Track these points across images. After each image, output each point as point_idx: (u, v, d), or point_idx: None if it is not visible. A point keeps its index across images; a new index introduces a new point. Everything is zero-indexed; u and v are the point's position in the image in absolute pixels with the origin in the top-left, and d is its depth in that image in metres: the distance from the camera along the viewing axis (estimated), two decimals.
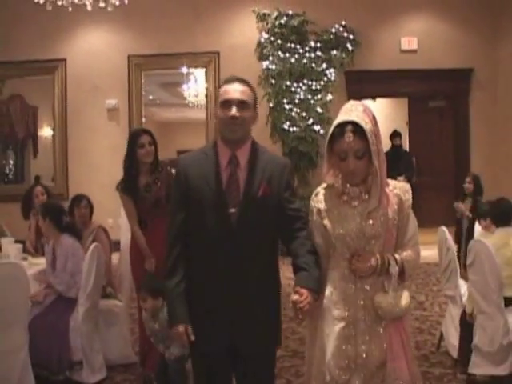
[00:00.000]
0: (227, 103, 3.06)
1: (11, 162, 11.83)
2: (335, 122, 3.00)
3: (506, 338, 4.58)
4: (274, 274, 3.22)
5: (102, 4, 6.93)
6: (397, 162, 10.92)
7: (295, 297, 2.85)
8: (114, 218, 6.66)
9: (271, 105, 10.03)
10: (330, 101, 9.96)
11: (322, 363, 3.06)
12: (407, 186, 3.11)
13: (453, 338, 5.21)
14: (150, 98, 10.99)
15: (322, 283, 3.07)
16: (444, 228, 5.58)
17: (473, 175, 8.23)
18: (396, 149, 11.31)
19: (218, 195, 3.08)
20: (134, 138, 5.14)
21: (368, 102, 13.00)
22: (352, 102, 3.15)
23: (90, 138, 10.68)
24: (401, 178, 10.77)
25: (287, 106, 9.89)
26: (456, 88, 10.81)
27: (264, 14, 10.26)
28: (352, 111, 2.98)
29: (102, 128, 10.67)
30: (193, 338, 3.04)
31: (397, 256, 3.00)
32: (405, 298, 3.00)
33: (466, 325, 4.94)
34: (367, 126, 2.91)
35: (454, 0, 10.47)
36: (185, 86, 11.73)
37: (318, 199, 3.14)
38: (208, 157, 3.17)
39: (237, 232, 3.05)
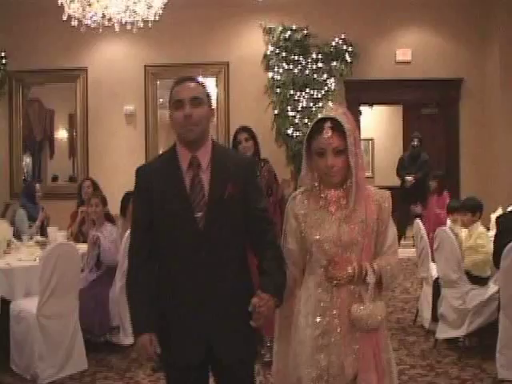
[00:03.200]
0: (179, 103, 2.90)
1: (29, 162, 12.11)
2: (314, 120, 2.95)
3: (463, 305, 5.74)
4: (246, 277, 3.04)
5: (128, 27, 7.40)
6: (413, 163, 11.65)
7: (255, 300, 2.74)
8: None
9: (276, 112, 10.37)
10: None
11: (293, 372, 2.97)
12: (387, 194, 3.01)
13: (426, 313, 6.47)
14: (161, 101, 11.23)
15: (288, 289, 2.97)
16: (418, 220, 6.77)
17: (436, 174, 8.84)
18: (413, 150, 11.79)
19: (182, 200, 2.91)
20: (234, 136, 5.77)
21: (365, 109, 13.75)
22: (332, 105, 3.42)
23: (109, 141, 11.13)
24: (409, 178, 11.46)
25: (291, 113, 10.23)
26: (447, 96, 11.09)
27: (270, 28, 10.58)
28: (332, 110, 2.92)
29: (120, 132, 11.13)
30: (159, 350, 2.86)
31: (375, 265, 2.88)
32: (381, 309, 2.88)
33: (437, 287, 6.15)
34: (346, 125, 2.83)
35: (446, 15, 10.74)
36: None
37: (295, 203, 3.02)
38: (168, 162, 3.00)
39: (205, 236, 2.88)
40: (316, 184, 2.97)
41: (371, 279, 2.84)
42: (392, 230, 3.00)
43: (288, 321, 3.03)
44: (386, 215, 2.95)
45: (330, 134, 2.83)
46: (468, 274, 5.90)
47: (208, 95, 3.01)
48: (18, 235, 7.09)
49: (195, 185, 2.93)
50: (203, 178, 2.94)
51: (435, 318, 6.24)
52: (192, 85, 2.96)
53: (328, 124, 2.84)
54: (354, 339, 2.87)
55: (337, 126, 2.83)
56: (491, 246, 5.64)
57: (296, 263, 3.03)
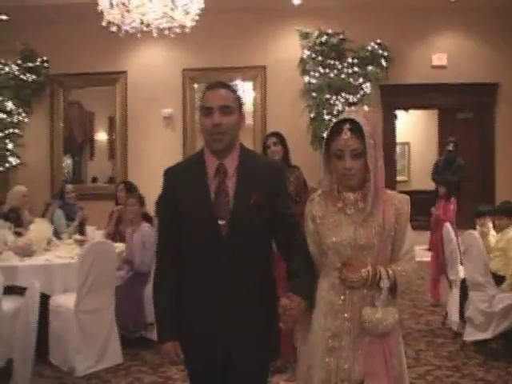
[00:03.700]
0: (209, 110, 2.88)
1: (70, 163, 12.35)
2: (334, 121, 2.91)
3: (490, 308, 5.81)
4: (269, 285, 3.02)
5: (166, 32, 7.51)
6: (448, 168, 11.63)
7: (286, 302, 2.72)
8: None
9: (312, 115, 10.45)
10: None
11: (306, 374, 2.98)
12: (406, 198, 2.97)
13: (454, 315, 6.52)
14: (199, 103, 11.24)
15: (315, 292, 2.95)
16: (448, 224, 6.83)
17: (445, 180, 8.77)
18: (448, 155, 11.64)
19: (207, 207, 2.89)
20: (263, 141, 5.87)
21: (401, 113, 13.77)
22: (353, 107, 3.38)
23: (147, 144, 11.32)
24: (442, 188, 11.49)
25: (326, 117, 10.22)
26: (482, 101, 11.03)
27: (306, 33, 10.67)
28: (352, 112, 2.90)
29: (158, 134, 11.30)
30: (182, 356, 2.91)
31: (389, 270, 2.84)
32: (392, 315, 2.83)
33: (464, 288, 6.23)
34: (366, 127, 2.79)
35: (481, 19, 10.69)
36: None
37: (313, 206, 3.00)
38: (195, 167, 2.98)
39: (228, 244, 2.86)
40: (334, 186, 2.93)
41: (385, 284, 2.81)
42: (409, 236, 2.95)
43: (309, 322, 2.99)
44: (404, 220, 2.91)
45: (348, 135, 2.79)
46: (494, 274, 5.97)
47: (239, 102, 2.97)
48: (57, 234, 7.31)
49: (220, 192, 2.90)
50: (229, 185, 2.91)
51: (462, 318, 6.32)
52: (223, 92, 2.91)
53: (347, 126, 2.80)
54: (363, 343, 2.84)
55: (356, 128, 2.79)
56: None
57: (317, 265, 3.01)
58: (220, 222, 2.86)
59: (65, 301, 5.83)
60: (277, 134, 5.82)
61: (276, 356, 3.20)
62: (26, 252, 6.17)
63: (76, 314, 5.66)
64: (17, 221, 7.05)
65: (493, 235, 6.40)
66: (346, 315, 2.85)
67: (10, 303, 5.25)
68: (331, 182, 2.95)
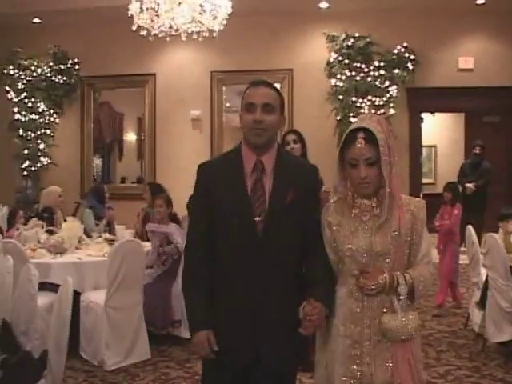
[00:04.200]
0: (251, 106, 2.88)
1: (99, 163, 12.62)
2: (348, 130, 2.90)
3: (510, 308, 5.89)
4: (301, 285, 2.95)
5: (194, 36, 7.67)
6: (475, 171, 11.61)
7: (308, 308, 2.72)
8: None
9: (338, 118, 10.54)
10: (392, 115, 10.27)
11: (326, 381, 2.96)
12: (422, 203, 2.97)
13: (476, 317, 6.58)
14: (228, 105, 11.48)
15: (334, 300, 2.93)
16: (470, 226, 6.90)
17: (451, 186, 8.63)
18: (475, 158, 11.68)
19: (243, 203, 2.88)
20: (283, 137, 5.58)
21: (427, 116, 13.79)
22: (367, 113, 3.12)
23: (176, 144, 11.49)
24: (470, 185, 11.39)
25: (353, 120, 10.06)
26: (509, 105, 11.00)
27: (333, 36, 10.75)
28: (365, 119, 2.88)
29: (186, 135, 11.47)
30: (216, 347, 2.85)
31: (407, 275, 2.83)
32: (413, 320, 2.82)
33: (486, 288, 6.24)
34: (379, 134, 2.78)
35: (508, 22, 10.70)
36: None
37: (329, 213, 2.99)
38: (232, 162, 2.97)
39: (263, 241, 2.85)
40: (350, 193, 2.92)
41: (403, 289, 2.80)
42: (426, 240, 2.94)
43: (327, 330, 2.97)
44: (420, 225, 2.90)
45: (362, 144, 2.79)
46: None
47: (281, 102, 2.98)
48: (86, 233, 7.49)
49: (257, 189, 2.89)
50: (266, 182, 2.90)
51: (484, 319, 6.39)
52: (267, 90, 2.92)
53: (361, 134, 2.80)
54: (385, 349, 2.83)
55: (370, 136, 2.78)
56: None
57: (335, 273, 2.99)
58: (256, 219, 2.85)
59: (95, 297, 6.00)
60: (296, 132, 5.75)
61: (302, 359, 3.20)
62: (58, 250, 6.35)
63: (106, 310, 5.82)
64: (50, 220, 7.24)
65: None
66: (365, 322, 2.84)
67: (43, 299, 5.41)
68: (346, 189, 2.95)
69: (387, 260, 2.85)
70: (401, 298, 2.81)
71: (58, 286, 5.43)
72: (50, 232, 6.79)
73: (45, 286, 5.75)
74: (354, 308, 2.86)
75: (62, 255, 6.37)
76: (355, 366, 2.83)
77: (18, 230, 7.00)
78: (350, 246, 2.86)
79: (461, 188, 11.61)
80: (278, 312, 2.87)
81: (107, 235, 7.33)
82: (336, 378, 2.86)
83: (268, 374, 2.90)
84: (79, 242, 6.93)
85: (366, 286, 2.81)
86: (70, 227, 6.87)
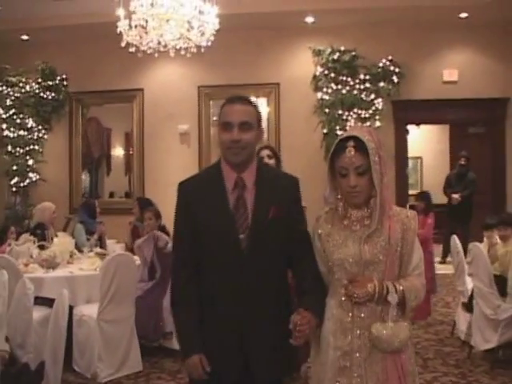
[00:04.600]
0: (228, 125, 2.84)
1: (87, 178, 12.59)
2: (337, 139, 2.89)
3: (495, 316, 6.01)
4: (286, 298, 3.01)
5: (182, 52, 7.76)
6: (460, 182, 11.77)
7: (297, 317, 2.71)
8: None
9: (325, 131, 10.62)
10: (378, 127, 10.31)
11: None
12: (413, 213, 2.95)
13: (462, 325, 6.74)
14: (215, 119, 11.20)
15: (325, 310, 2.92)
16: (455, 236, 7.06)
17: (423, 196, 8.63)
18: (460, 169, 11.99)
19: (227, 221, 2.86)
20: (256, 153, 5.59)
21: (412, 128, 13.94)
22: (357, 125, 3.25)
23: (164, 159, 11.52)
24: (456, 196, 11.61)
25: (339, 133, 10.18)
26: (493, 116, 11.16)
27: (319, 50, 10.88)
28: (355, 129, 2.78)
29: (174, 150, 11.51)
30: (208, 368, 2.83)
31: (397, 285, 2.80)
32: (404, 330, 2.80)
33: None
34: (370, 143, 2.76)
35: (491, 35, 10.87)
36: None
37: (319, 224, 2.98)
38: (212, 180, 2.94)
39: (248, 258, 2.84)
40: (341, 204, 2.90)
41: (393, 298, 2.76)
42: (418, 251, 2.92)
43: (318, 342, 2.97)
44: (412, 235, 2.88)
45: (352, 153, 2.77)
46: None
47: (258, 117, 2.93)
48: (77, 247, 7.54)
49: (239, 206, 2.88)
50: (248, 198, 2.89)
51: (470, 327, 6.52)
52: (243, 107, 2.87)
53: (351, 143, 2.78)
54: (376, 361, 2.80)
55: (360, 145, 2.77)
56: None
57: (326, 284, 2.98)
58: (240, 236, 2.84)
59: (88, 311, 6.08)
60: (270, 147, 5.61)
61: (292, 370, 3.24)
62: (50, 264, 6.41)
63: (99, 324, 5.90)
64: (42, 236, 7.29)
65: (499, 245, 6.59)
66: (355, 332, 2.81)
67: (36, 313, 5.43)
68: (337, 199, 2.92)
69: (377, 269, 2.82)
70: (391, 307, 2.77)
71: (51, 300, 5.54)
72: (42, 247, 6.85)
73: (37, 301, 5.78)
74: (344, 318, 2.83)
75: (54, 270, 6.44)
76: (344, 379, 2.79)
77: (9, 245, 7.05)
78: (339, 256, 2.84)
79: (447, 198, 11.85)
80: (266, 325, 2.87)
81: (98, 249, 7.40)
82: None
83: None
84: (71, 256, 6.99)
85: (354, 294, 2.78)
86: (62, 242, 6.94)
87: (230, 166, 2.91)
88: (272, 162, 5.38)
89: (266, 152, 5.43)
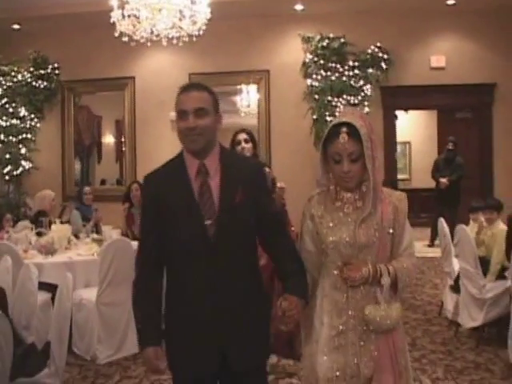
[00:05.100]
0: (183, 113, 2.83)
1: (79, 166, 12.67)
2: (330, 124, 2.88)
3: (480, 295, 6.23)
4: (258, 284, 3.00)
5: (174, 41, 7.87)
6: (448, 166, 11.94)
7: (285, 303, 2.72)
8: None
9: (315, 117, 10.68)
10: (367, 113, 10.31)
11: (310, 373, 2.97)
12: (403, 195, 2.99)
13: (449, 305, 6.95)
14: None
15: (309, 290, 2.96)
16: (442, 219, 7.26)
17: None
18: (448, 153, 12.17)
19: (192, 208, 2.83)
20: (233, 136, 5.38)
21: (401, 114, 14.06)
22: (349, 108, 3.14)
23: (155, 146, 11.52)
24: (443, 180, 11.81)
25: (329, 119, 10.38)
26: (480, 101, 11.22)
27: (308, 37, 10.93)
28: (347, 114, 2.87)
29: (166, 137, 11.47)
30: (165, 364, 2.84)
31: (390, 267, 2.86)
32: (396, 311, 2.88)
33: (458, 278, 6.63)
34: (362, 129, 2.79)
35: (478, 22, 10.93)
36: (238, 98, 12.33)
37: (312, 204, 3.00)
38: (176, 169, 2.92)
39: (215, 244, 2.80)
40: (332, 187, 2.94)
41: (386, 281, 2.82)
42: (408, 233, 2.97)
43: (311, 321, 3.01)
44: (403, 217, 2.92)
45: (345, 138, 2.79)
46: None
47: (215, 102, 2.91)
48: (74, 234, 7.67)
49: (204, 192, 2.85)
50: (212, 185, 2.86)
51: (457, 307, 6.73)
52: (197, 94, 2.85)
53: (344, 129, 2.80)
54: (369, 340, 2.87)
55: (353, 131, 2.79)
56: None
57: (314, 264, 3.01)
58: (206, 222, 2.81)
59: (87, 295, 6.25)
60: (247, 131, 5.48)
61: (268, 354, 3.17)
62: (48, 250, 6.55)
63: (97, 307, 6.08)
64: (41, 223, 7.41)
65: (485, 229, 6.79)
66: (350, 313, 2.87)
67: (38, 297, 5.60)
68: (329, 182, 2.96)
69: (370, 252, 2.87)
70: (384, 289, 2.84)
71: (50, 285, 5.69)
72: (39, 234, 6.97)
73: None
74: (339, 299, 2.89)
75: (53, 255, 6.56)
76: (339, 357, 2.85)
77: (7, 232, 7.18)
78: (333, 238, 2.88)
79: (435, 183, 12.04)
80: (240, 311, 2.85)
81: (95, 235, 7.53)
82: (320, 368, 2.88)
83: (237, 375, 2.90)
84: (68, 242, 7.11)
85: (349, 277, 2.83)
86: (59, 229, 7.07)
87: (192, 153, 2.89)
88: (249, 145, 5.34)
89: (242, 136, 5.38)
